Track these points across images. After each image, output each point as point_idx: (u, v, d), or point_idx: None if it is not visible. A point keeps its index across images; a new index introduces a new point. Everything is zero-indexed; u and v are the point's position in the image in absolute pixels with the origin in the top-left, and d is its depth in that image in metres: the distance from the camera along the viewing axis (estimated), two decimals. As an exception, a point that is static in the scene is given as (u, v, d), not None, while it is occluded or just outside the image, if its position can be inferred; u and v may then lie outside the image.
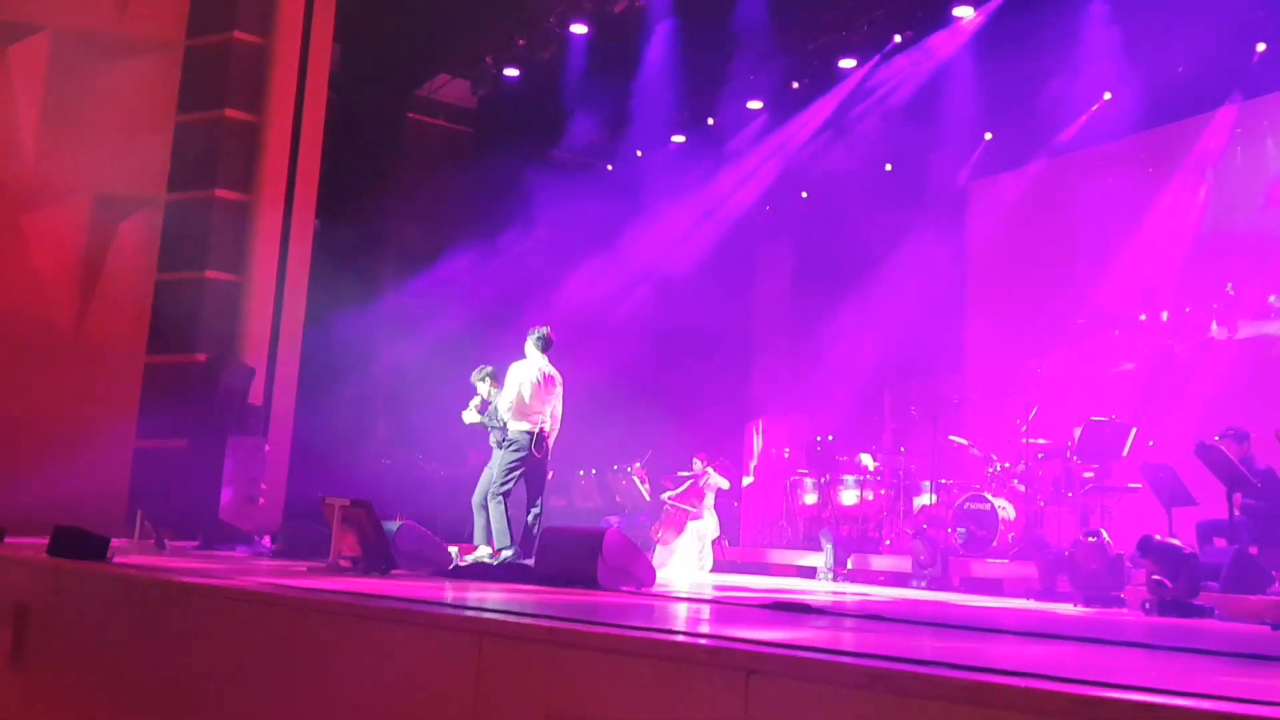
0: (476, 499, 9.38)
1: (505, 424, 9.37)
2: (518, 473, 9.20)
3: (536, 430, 9.26)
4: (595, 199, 15.41)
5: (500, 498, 9.19)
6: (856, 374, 14.60)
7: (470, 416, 9.71)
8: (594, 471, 14.63)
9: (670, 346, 16.67)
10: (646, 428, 15.01)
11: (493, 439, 9.63)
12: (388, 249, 15.39)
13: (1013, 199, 14.60)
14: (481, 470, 9.54)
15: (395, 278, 15.17)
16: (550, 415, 9.39)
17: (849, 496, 12.87)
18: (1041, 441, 11.21)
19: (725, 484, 12.54)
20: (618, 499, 13.60)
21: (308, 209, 13.24)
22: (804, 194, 16.66)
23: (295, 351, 13.08)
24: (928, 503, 11.98)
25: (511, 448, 9.27)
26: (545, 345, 9.47)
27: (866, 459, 13.02)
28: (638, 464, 13.78)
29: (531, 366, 9.39)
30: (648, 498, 12.78)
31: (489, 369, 9.75)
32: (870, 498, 12.70)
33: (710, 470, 12.45)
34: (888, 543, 12.36)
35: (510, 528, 9.19)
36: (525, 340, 9.52)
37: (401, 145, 16.02)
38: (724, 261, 16.43)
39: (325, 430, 13.21)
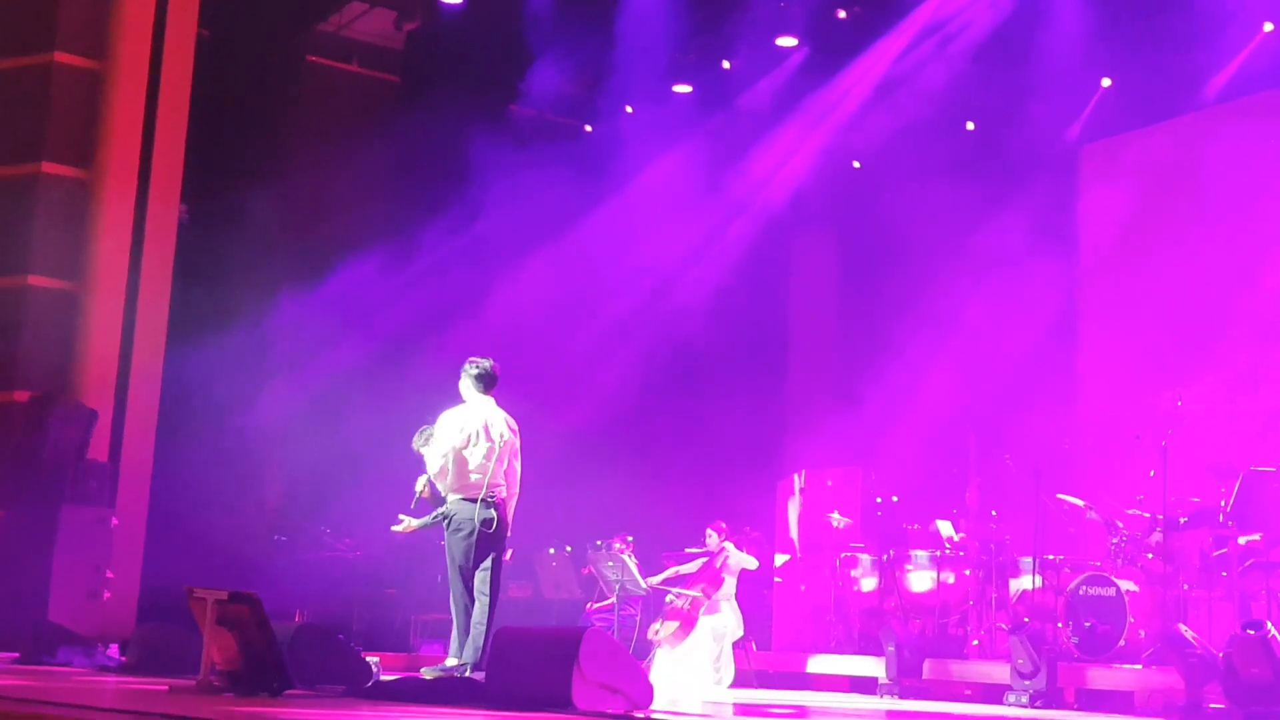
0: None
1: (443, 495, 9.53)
2: (470, 560, 9.34)
3: (483, 498, 9.36)
4: (568, 174, 15.40)
5: (461, 594, 9.29)
6: (929, 411, 14.60)
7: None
8: (568, 550, 14.52)
9: (673, 379, 16.66)
10: (641, 488, 14.91)
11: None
12: (281, 245, 15.33)
13: (1141, 167, 14.60)
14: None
15: (292, 284, 15.06)
16: (504, 477, 9.55)
17: (921, 580, 12.91)
18: (1189, 500, 11.25)
19: (752, 564, 12.50)
20: (601, 587, 13.44)
21: (170, 190, 13.27)
22: (855, 164, 16.70)
23: (153, 388, 13.08)
24: (1029, 587, 11.99)
25: (452, 526, 9.41)
26: (488, 384, 9.64)
27: (944, 527, 13.01)
28: (629, 538, 13.64)
29: (471, 413, 9.52)
30: (643, 585, 12.62)
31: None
32: (950, 581, 12.75)
33: (729, 546, 12.40)
34: (975, 643, 12.31)
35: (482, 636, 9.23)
36: (460, 377, 9.67)
37: (300, 101, 16.02)
38: (746, 260, 16.45)
39: (194, 496, 13.14)
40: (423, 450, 9.75)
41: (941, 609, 12.72)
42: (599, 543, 13.55)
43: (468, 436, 9.39)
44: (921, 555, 12.96)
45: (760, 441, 16.55)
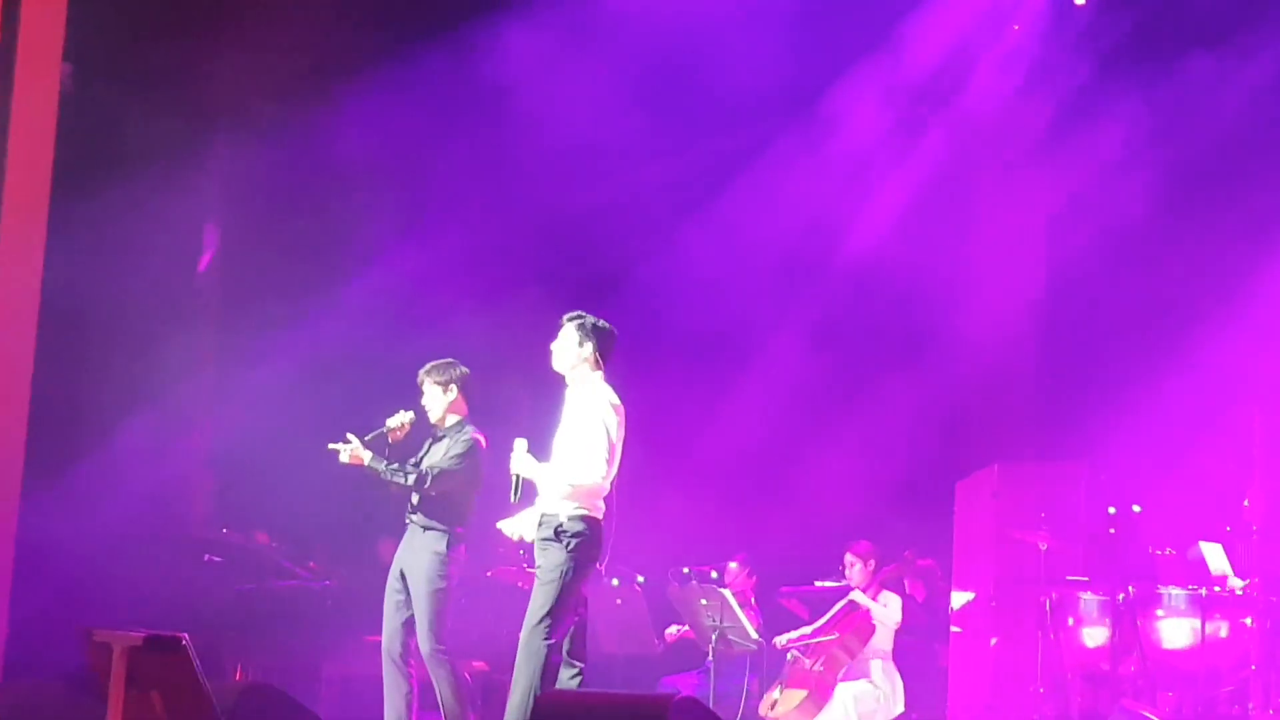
0: (387, 645, 10.73)
1: (565, 502, 9.80)
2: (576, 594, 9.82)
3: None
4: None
5: (545, 644, 9.57)
6: (1190, 378, 14.56)
7: (360, 450, 10.64)
8: (640, 580, 14.64)
9: (796, 333, 16.80)
10: (746, 491, 15.35)
11: (418, 518, 10.63)
12: (221, 124, 15.59)
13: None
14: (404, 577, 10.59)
15: (230, 180, 15.51)
16: None
17: (1176, 632, 13.16)
18: None
19: (891, 616, 12.71)
20: (688, 634, 13.82)
21: (51, 50, 12.52)
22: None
23: (26, 341, 12.52)
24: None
25: (571, 544, 9.70)
26: (609, 350, 10.10)
27: (1213, 553, 13.16)
28: (732, 565, 13.97)
29: (609, 393, 10.01)
30: (754, 634, 13.05)
31: (462, 369, 10.91)
32: (1222, 634, 13.03)
33: (858, 596, 12.73)
34: (1262, 726, 12.42)
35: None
36: (567, 332, 10.02)
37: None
38: (908, 173, 16.63)
39: (85, 503, 13.31)
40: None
41: (1208, 677, 12.90)
42: (685, 570, 14.03)
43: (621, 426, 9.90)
44: (1177, 595, 13.13)
45: (931, 421, 16.45)
